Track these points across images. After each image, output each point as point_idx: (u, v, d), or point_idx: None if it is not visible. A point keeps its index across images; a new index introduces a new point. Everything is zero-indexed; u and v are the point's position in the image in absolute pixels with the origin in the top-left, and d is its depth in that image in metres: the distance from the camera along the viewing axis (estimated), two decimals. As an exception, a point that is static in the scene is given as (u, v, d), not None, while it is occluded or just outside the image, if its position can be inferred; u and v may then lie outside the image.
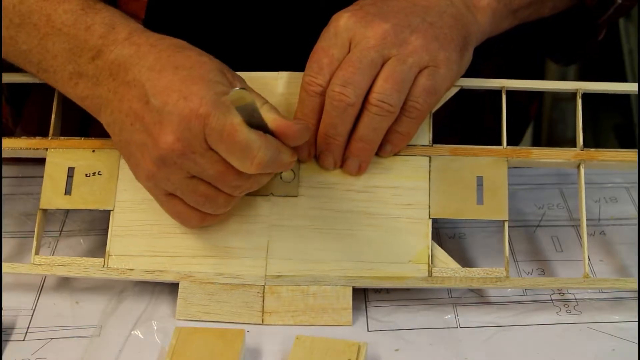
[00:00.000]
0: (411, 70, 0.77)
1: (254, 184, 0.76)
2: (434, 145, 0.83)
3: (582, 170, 0.82)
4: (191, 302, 0.80)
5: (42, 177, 0.83)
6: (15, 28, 0.79)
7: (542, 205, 0.95)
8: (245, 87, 0.76)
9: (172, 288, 0.82)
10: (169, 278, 0.80)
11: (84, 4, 0.79)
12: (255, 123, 0.71)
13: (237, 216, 0.81)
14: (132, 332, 0.79)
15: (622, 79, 1.77)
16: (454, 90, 0.83)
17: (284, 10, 0.91)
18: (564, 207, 0.94)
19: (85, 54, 0.77)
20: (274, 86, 0.84)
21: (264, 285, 0.80)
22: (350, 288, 0.80)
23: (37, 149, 0.85)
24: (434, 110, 0.83)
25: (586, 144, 0.83)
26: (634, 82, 1.73)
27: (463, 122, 1.03)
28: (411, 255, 0.80)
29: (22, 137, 0.85)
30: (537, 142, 1.84)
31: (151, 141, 0.73)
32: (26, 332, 0.79)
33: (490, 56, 0.92)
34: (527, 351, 0.77)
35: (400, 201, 0.81)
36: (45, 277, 0.84)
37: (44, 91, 0.85)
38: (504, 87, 0.84)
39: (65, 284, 0.84)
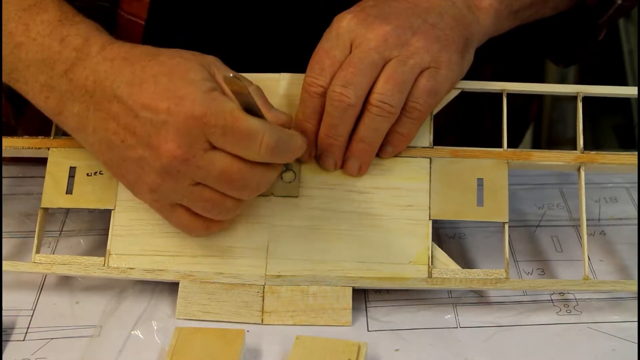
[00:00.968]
0: (412, 71, 0.77)
1: (260, 181, 0.75)
2: (434, 146, 0.83)
3: (583, 173, 0.82)
4: (191, 302, 0.80)
5: (43, 177, 0.83)
6: None
7: (542, 205, 0.95)
8: (237, 76, 0.75)
9: (172, 288, 0.82)
10: (169, 277, 0.80)
11: (61, 15, 0.78)
12: (253, 111, 0.71)
13: (237, 216, 0.81)
14: (132, 332, 0.79)
15: (622, 79, 1.77)
16: (454, 93, 0.83)
17: (286, 11, 0.91)
18: (564, 207, 0.94)
19: (58, 66, 0.76)
20: (275, 87, 0.84)
21: (263, 285, 0.80)
22: (350, 288, 0.80)
23: (39, 148, 0.85)
24: (434, 112, 0.83)
25: (586, 145, 0.83)
26: (634, 82, 1.74)
27: (462, 123, 1.03)
28: (411, 256, 0.80)
29: (24, 137, 0.85)
30: (537, 142, 1.84)
31: (151, 154, 0.72)
32: (26, 332, 0.79)
33: (490, 57, 0.92)
34: (527, 351, 0.77)
35: (401, 202, 0.81)
36: (45, 277, 0.84)
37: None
38: (504, 90, 0.84)
39: (65, 284, 0.84)
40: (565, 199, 0.95)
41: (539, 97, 1.27)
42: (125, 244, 0.81)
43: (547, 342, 0.78)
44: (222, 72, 0.76)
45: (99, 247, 0.87)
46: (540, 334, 0.79)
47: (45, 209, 0.83)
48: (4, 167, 0.96)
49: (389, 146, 0.81)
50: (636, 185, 0.96)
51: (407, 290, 0.82)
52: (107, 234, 0.82)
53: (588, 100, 0.84)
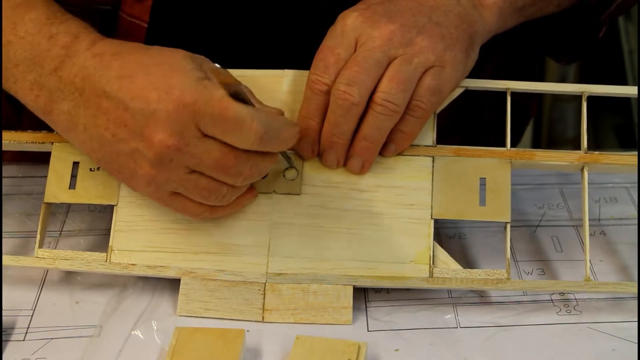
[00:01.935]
0: (416, 70, 0.77)
1: (254, 169, 0.74)
2: (437, 145, 0.83)
3: (586, 174, 0.82)
4: (192, 298, 0.80)
5: (43, 177, 0.83)
6: None
7: (542, 205, 0.95)
8: (224, 70, 0.75)
9: (172, 288, 0.82)
10: (171, 274, 0.80)
11: (50, 13, 0.77)
12: (243, 100, 0.71)
13: (239, 213, 0.81)
14: (132, 332, 0.79)
15: (622, 78, 1.77)
16: (458, 91, 0.83)
17: (289, 8, 0.91)
18: (564, 207, 0.94)
19: (47, 64, 0.76)
20: (279, 84, 0.84)
21: (265, 283, 0.80)
22: (351, 287, 0.80)
23: (43, 142, 0.85)
24: (438, 111, 0.83)
25: (587, 145, 0.84)
26: (634, 82, 1.74)
27: (464, 120, 1.03)
28: (412, 255, 0.80)
29: (28, 131, 0.85)
30: (537, 142, 1.84)
31: (143, 144, 0.72)
32: (26, 332, 0.79)
33: (492, 54, 0.92)
34: (527, 351, 0.77)
35: (403, 201, 0.81)
36: (46, 277, 0.84)
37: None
38: (508, 88, 0.84)
39: (65, 283, 0.84)
40: (566, 199, 0.95)
41: (539, 95, 1.27)
42: (127, 240, 0.81)
43: (547, 342, 0.78)
44: (211, 67, 0.76)
45: (99, 247, 0.87)
46: (540, 334, 0.79)
47: (48, 204, 0.83)
48: (4, 167, 0.96)
49: (392, 144, 0.81)
50: (636, 185, 0.96)
51: (407, 290, 0.82)
52: (107, 234, 0.82)
53: (588, 100, 0.85)
